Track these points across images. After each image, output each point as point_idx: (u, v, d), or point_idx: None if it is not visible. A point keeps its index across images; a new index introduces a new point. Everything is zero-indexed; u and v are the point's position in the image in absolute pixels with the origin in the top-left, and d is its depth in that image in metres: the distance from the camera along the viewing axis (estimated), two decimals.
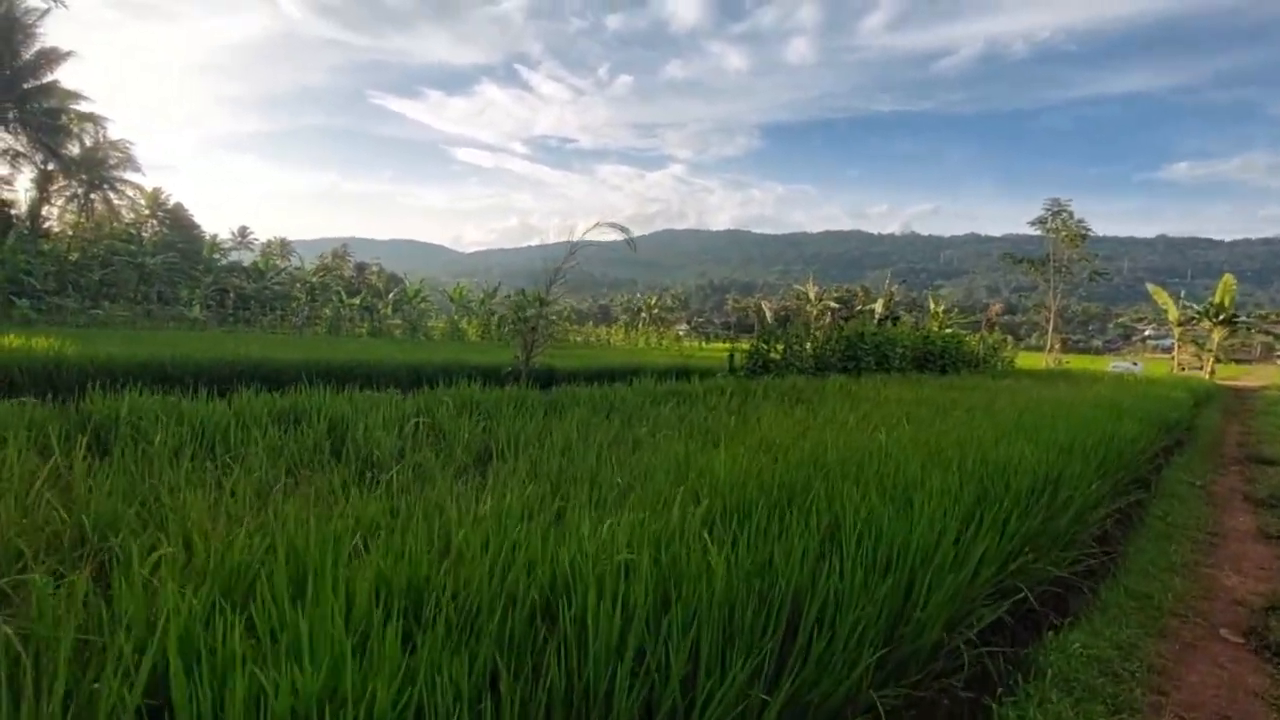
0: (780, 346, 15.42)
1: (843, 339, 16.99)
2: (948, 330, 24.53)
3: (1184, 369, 43.24)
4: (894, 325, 27.11)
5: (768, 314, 31.59)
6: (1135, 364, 46.63)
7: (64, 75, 43.97)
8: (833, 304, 36.95)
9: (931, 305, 33.12)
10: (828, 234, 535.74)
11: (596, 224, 9.34)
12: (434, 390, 7.05)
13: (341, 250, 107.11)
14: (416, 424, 4.76)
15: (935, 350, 20.42)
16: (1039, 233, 43.28)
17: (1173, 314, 43.03)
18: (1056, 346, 44.73)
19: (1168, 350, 60.18)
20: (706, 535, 2.62)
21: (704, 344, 42.77)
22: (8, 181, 48.89)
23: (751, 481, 3.61)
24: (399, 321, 34.59)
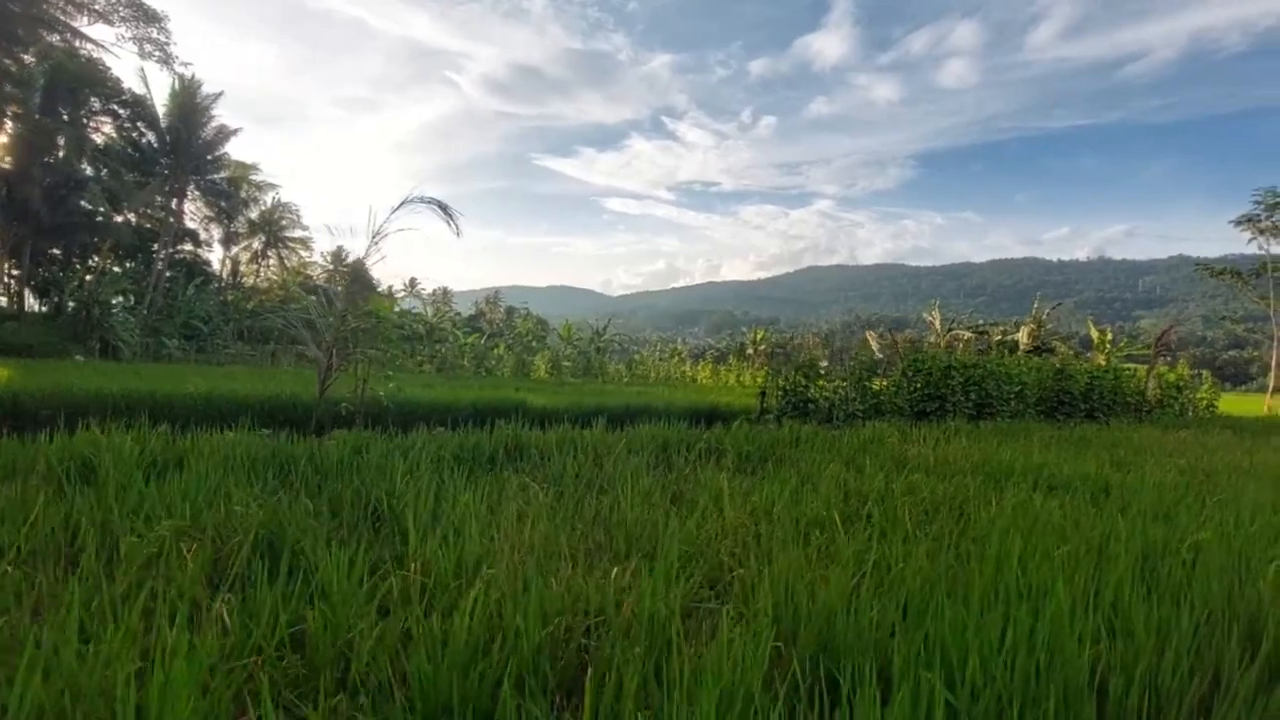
0: (822, 383, 11.91)
1: (920, 375, 12.93)
2: (1095, 364, 18.62)
3: None
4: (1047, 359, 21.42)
5: (874, 347, 26.87)
6: None
7: (240, 150, 50.55)
8: (964, 333, 31.02)
9: (1093, 333, 26.20)
10: (995, 263, 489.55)
11: (403, 202, 7.05)
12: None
13: (494, 296, 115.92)
14: None
15: (1076, 390, 15.28)
16: (1257, 242, 33.20)
17: None
18: None
19: None
20: None
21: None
22: (206, 242, 57.32)
23: None
24: (466, 361, 34.39)
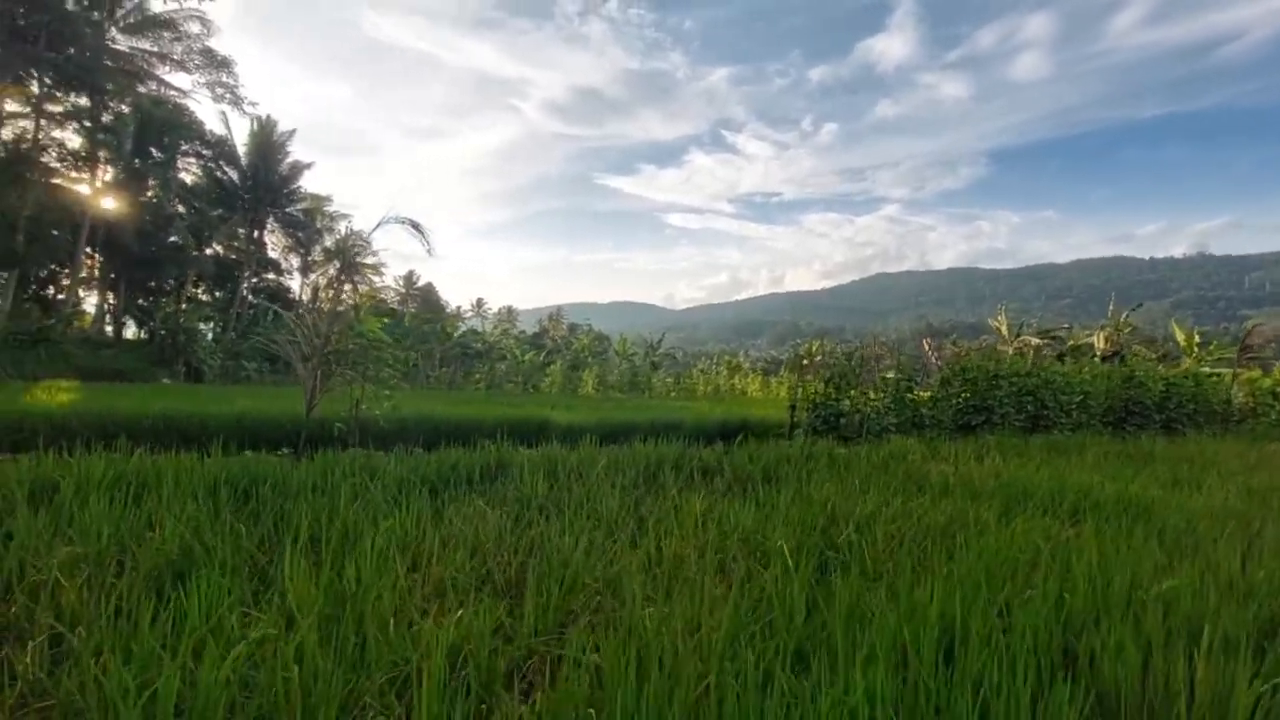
0: (854, 394, 11.30)
1: (967, 384, 12.07)
2: (1175, 370, 16.77)
3: None
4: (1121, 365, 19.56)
5: (931, 356, 25.50)
6: None
7: (316, 184, 53.79)
8: (1033, 339, 28.98)
9: (1179, 335, 23.89)
10: (1080, 263, 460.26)
11: (380, 223, 7.08)
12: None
13: (556, 314, 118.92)
14: None
15: (1149, 399, 13.89)
16: None
17: None
18: None
19: None
20: None
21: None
22: (287, 271, 61.14)
23: None
24: (519, 377, 34.94)
